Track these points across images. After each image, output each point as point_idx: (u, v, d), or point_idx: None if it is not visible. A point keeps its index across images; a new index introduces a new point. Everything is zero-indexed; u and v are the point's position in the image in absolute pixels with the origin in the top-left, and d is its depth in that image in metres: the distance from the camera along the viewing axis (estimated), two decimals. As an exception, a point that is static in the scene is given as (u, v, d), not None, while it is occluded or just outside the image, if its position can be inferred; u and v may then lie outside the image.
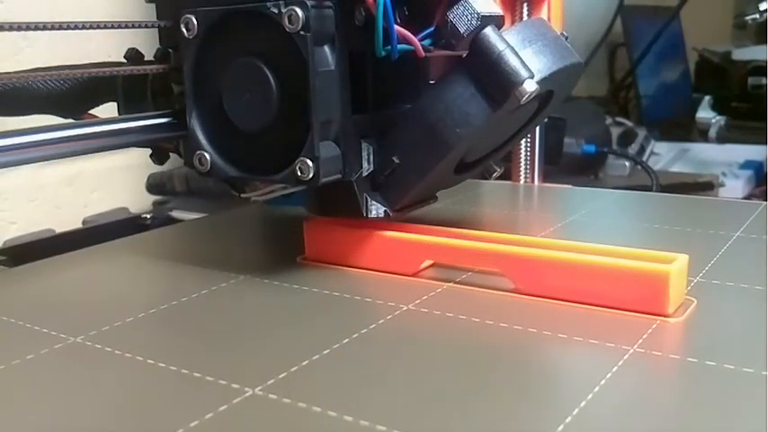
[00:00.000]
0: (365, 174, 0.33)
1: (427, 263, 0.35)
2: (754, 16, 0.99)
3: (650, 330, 0.28)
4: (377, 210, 0.34)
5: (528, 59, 0.30)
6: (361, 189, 0.33)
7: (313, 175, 0.30)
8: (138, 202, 0.76)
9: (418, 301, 0.31)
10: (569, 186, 0.58)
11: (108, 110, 0.39)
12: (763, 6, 0.98)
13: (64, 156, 0.33)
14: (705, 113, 0.98)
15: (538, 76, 0.30)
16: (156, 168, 0.77)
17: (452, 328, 0.29)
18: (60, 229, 0.65)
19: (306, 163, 0.30)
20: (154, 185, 0.75)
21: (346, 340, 0.28)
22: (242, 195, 0.36)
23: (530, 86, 0.29)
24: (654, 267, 0.29)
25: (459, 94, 0.31)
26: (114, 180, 0.76)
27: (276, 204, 0.39)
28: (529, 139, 0.55)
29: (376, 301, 0.32)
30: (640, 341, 0.27)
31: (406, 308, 0.31)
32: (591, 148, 0.78)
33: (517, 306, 0.31)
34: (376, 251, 0.35)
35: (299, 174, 0.30)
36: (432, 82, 0.34)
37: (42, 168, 0.69)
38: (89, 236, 0.57)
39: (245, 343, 0.28)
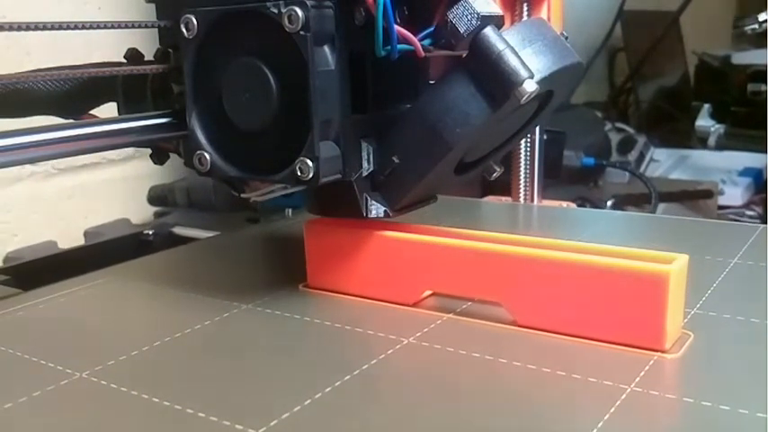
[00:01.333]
0: (365, 174, 0.33)
1: (428, 293, 0.35)
2: (753, 26, 0.99)
3: (647, 367, 0.28)
4: (377, 209, 0.34)
5: (528, 59, 0.30)
6: (361, 189, 0.33)
7: (313, 175, 0.30)
8: (139, 212, 0.77)
9: (419, 334, 0.32)
10: (570, 206, 0.58)
11: (108, 110, 0.39)
12: (762, 17, 0.98)
13: (64, 156, 0.33)
14: (704, 122, 0.99)
15: (538, 76, 0.30)
16: (158, 180, 0.78)
17: (453, 364, 0.29)
18: (62, 240, 0.66)
19: (306, 163, 0.30)
20: (155, 198, 0.76)
21: (348, 377, 0.28)
22: (242, 195, 0.36)
23: (529, 86, 0.29)
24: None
25: (458, 94, 0.31)
26: (115, 191, 0.77)
27: (276, 204, 0.39)
28: (528, 156, 0.55)
29: (377, 333, 0.32)
30: (638, 379, 0.27)
31: (406, 341, 0.31)
32: (590, 161, 0.79)
33: (516, 340, 0.31)
34: (377, 280, 0.35)
35: (298, 174, 0.30)
36: (432, 82, 0.34)
37: (44, 180, 0.70)
38: (91, 253, 0.57)
39: (248, 380, 0.28)
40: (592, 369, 0.28)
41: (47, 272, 0.50)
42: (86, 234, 0.69)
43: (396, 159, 0.33)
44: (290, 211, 0.54)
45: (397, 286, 0.35)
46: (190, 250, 0.48)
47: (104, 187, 0.75)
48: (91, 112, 0.39)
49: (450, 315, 0.34)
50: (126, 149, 0.76)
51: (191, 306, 0.36)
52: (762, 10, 1.00)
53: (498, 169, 0.39)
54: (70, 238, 0.68)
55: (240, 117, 0.32)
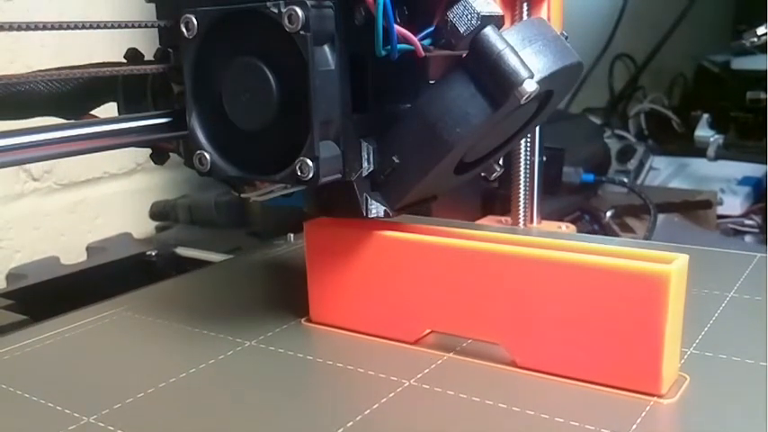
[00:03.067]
0: (365, 173, 0.33)
1: (427, 331, 0.35)
2: (752, 40, 0.99)
3: (644, 413, 0.28)
4: (377, 209, 0.34)
5: (528, 59, 0.30)
6: (361, 189, 0.33)
7: (313, 175, 0.30)
8: (141, 226, 0.78)
9: (420, 376, 0.32)
10: (569, 227, 0.58)
11: (108, 110, 0.39)
12: (761, 30, 0.98)
13: (64, 156, 0.33)
14: (703, 132, 0.98)
15: (537, 76, 0.30)
16: (159, 194, 0.79)
17: (453, 409, 0.29)
18: (65, 255, 0.66)
19: (306, 163, 0.30)
20: (157, 213, 0.77)
21: (350, 423, 0.28)
22: (242, 195, 0.36)
23: (529, 86, 0.29)
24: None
25: (458, 94, 0.31)
26: (117, 205, 0.77)
27: (276, 204, 0.39)
28: (528, 175, 0.55)
29: (379, 375, 0.32)
30: (634, 426, 0.27)
31: (407, 383, 0.31)
32: (590, 177, 0.79)
33: (516, 383, 0.31)
34: (378, 317, 0.36)
35: (299, 173, 0.30)
36: (432, 82, 0.34)
37: (47, 196, 0.71)
38: (94, 275, 0.57)
39: (251, 426, 0.29)
40: (590, 415, 0.28)
41: (51, 296, 0.52)
42: (89, 249, 0.69)
43: (396, 159, 0.33)
44: (292, 236, 0.54)
45: (397, 323, 0.35)
46: (193, 279, 0.48)
47: (106, 202, 0.76)
48: (90, 112, 0.39)
49: (451, 354, 0.34)
50: (127, 164, 0.77)
51: (194, 343, 0.36)
52: (760, 14, 1.00)
53: (498, 169, 0.39)
54: (73, 252, 0.69)
55: (240, 117, 0.32)
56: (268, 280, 0.47)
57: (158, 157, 0.40)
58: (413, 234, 0.35)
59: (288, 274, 0.47)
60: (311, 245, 0.37)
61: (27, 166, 0.69)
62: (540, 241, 0.33)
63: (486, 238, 0.33)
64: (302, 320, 0.38)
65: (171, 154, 0.40)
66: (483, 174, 0.39)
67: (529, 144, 0.54)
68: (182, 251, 0.62)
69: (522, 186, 0.55)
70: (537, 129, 0.51)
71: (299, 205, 0.38)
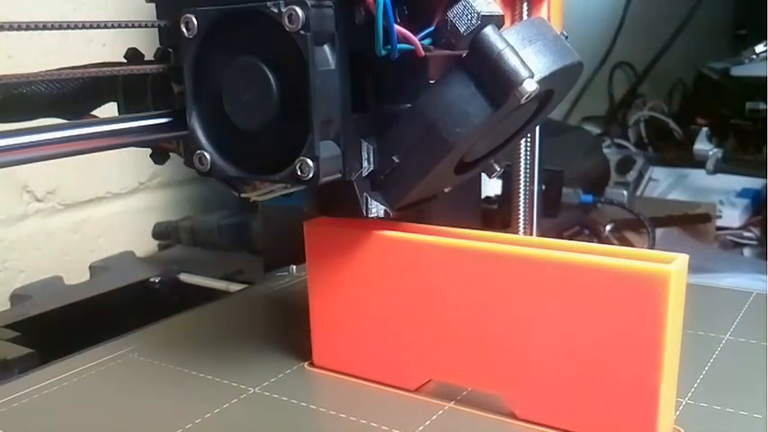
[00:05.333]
0: (365, 173, 0.33)
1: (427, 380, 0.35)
2: (751, 57, 1.00)
3: None
4: (377, 209, 0.34)
5: (528, 59, 0.30)
6: (361, 188, 0.33)
7: (313, 175, 0.30)
8: (144, 245, 0.78)
9: (421, 428, 0.32)
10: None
11: (108, 110, 0.39)
12: (759, 48, 0.99)
13: (64, 156, 0.33)
14: (702, 145, 0.99)
15: (538, 76, 0.30)
16: (162, 212, 0.80)
17: None
18: (68, 275, 0.67)
19: (306, 162, 0.30)
20: (159, 234, 0.78)
21: None
22: (242, 195, 0.36)
23: (530, 86, 0.29)
24: None
25: (458, 94, 0.31)
26: (120, 225, 0.78)
27: (275, 203, 0.39)
28: (527, 195, 0.55)
29: (381, 426, 0.33)
30: None
31: None
32: (588, 198, 0.81)
33: None
34: (379, 361, 0.36)
35: (299, 173, 0.30)
36: (432, 81, 0.34)
37: (50, 217, 0.72)
38: (99, 305, 0.58)
39: None
40: None
41: (56, 327, 0.53)
42: (92, 268, 0.70)
43: (396, 159, 0.33)
44: (294, 268, 0.54)
45: (398, 370, 0.36)
46: (197, 317, 0.48)
47: (109, 221, 0.77)
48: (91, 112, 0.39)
49: (452, 404, 0.34)
50: (130, 183, 0.78)
51: (198, 391, 0.37)
52: (760, 17, 1.01)
53: (498, 169, 0.39)
54: (77, 271, 0.69)
55: (240, 117, 0.32)
56: (271, 318, 0.48)
57: (158, 157, 0.40)
58: (414, 234, 0.35)
59: (291, 310, 0.47)
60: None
61: (31, 186, 0.70)
62: (539, 242, 0.33)
63: (482, 238, 0.33)
64: (305, 364, 0.39)
65: (171, 154, 0.40)
66: (484, 173, 0.39)
67: (528, 164, 0.53)
68: (185, 278, 0.62)
69: (521, 207, 0.55)
70: (537, 149, 0.51)
71: (300, 204, 0.37)
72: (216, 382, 0.37)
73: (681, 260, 0.29)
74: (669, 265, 0.28)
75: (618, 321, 0.29)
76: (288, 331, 0.43)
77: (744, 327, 0.41)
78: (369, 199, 0.34)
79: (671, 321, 0.28)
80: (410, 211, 0.36)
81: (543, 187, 0.54)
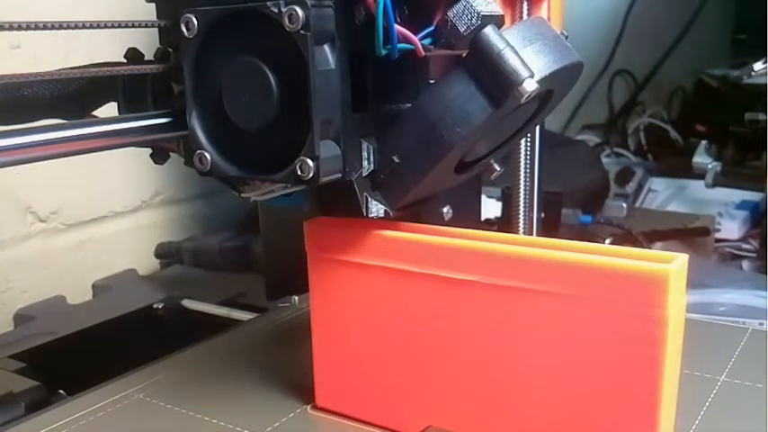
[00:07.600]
0: (365, 173, 0.33)
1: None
2: (749, 73, 1.01)
3: None
4: (377, 209, 0.34)
5: (528, 59, 0.30)
6: (362, 188, 0.33)
7: (313, 175, 0.30)
8: (146, 263, 0.79)
9: None
10: None
11: (108, 110, 0.39)
12: (757, 66, 1.00)
13: (64, 155, 0.33)
14: (701, 158, 0.99)
15: (538, 76, 0.30)
16: (164, 230, 0.81)
17: None
18: (71, 294, 0.68)
19: (306, 162, 0.30)
20: (162, 254, 0.79)
21: None
22: (242, 195, 0.36)
23: (530, 86, 0.29)
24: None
25: (459, 94, 0.31)
26: (123, 243, 0.78)
27: (276, 203, 0.39)
28: (527, 217, 0.54)
29: None
30: None
31: None
32: (587, 219, 0.81)
33: None
34: (379, 402, 0.36)
35: (299, 173, 0.30)
36: (432, 81, 0.34)
37: (53, 236, 0.72)
38: (103, 333, 0.59)
39: None
40: None
41: (61, 357, 0.54)
42: (94, 287, 0.71)
43: (396, 159, 0.32)
44: (297, 298, 0.54)
45: (398, 413, 0.36)
46: (200, 354, 0.48)
47: (112, 239, 0.77)
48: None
49: None
50: (132, 201, 0.78)
51: None
52: (760, 21, 1.01)
53: (498, 169, 0.39)
54: (80, 289, 0.70)
55: (240, 116, 0.32)
56: (275, 354, 0.47)
57: (158, 157, 0.40)
58: (415, 234, 0.35)
59: (294, 346, 0.46)
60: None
61: (34, 207, 0.70)
62: (539, 241, 0.33)
63: (483, 238, 0.33)
64: (308, 408, 0.39)
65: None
66: (484, 173, 0.39)
67: (528, 187, 0.53)
68: (188, 304, 0.63)
69: (521, 230, 0.55)
70: (537, 169, 0.51)
71: (300, 204, 0.37)
72: (221, 426, 0.38)
73: (681, 260, 0.29)
74: (669, 265, 0.28)
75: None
76: (291, 370, 0.43)
77: (740, 366, 0.41)
78: (369, 199, 0.34)
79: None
80: (410, 211, 0.36)
81: (542, 215, 0.54)
